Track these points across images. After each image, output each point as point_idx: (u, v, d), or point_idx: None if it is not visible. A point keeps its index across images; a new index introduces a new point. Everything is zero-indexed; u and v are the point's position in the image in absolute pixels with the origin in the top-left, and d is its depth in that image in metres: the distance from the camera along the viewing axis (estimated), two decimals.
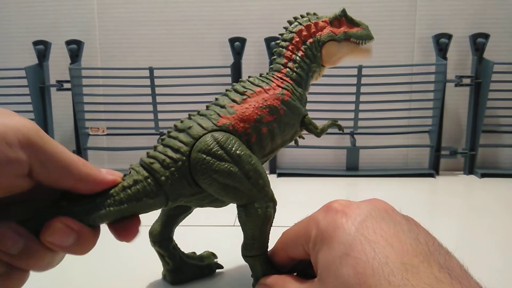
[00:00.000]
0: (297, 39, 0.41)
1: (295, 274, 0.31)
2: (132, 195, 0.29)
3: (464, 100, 0.96)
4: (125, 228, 0.29)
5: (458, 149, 0.95)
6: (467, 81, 0.93)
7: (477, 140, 0.93)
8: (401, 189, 0.82)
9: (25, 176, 0.24)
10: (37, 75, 0.95)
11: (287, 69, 0.40)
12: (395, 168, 0.97)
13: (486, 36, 0.90)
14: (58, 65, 0.98)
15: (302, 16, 0.42)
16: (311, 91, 0.91)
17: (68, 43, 0.95)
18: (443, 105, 0.92)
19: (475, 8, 0.94)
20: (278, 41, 0.41)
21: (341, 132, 0.41)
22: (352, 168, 0.95)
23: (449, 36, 0.91)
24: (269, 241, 0.35)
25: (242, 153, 0.33)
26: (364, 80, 0.90)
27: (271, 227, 0.35)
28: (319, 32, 0.41)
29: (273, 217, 0.34)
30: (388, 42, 0.96)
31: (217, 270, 0.43)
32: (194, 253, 0.42)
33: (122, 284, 0.42)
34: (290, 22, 0.42)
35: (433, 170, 0.92)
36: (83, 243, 0.26)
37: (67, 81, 0.93)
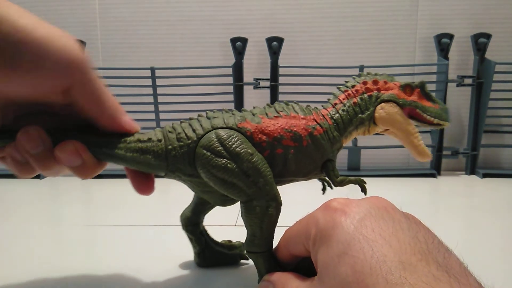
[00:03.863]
0: (358, 88, 0.39)
1: (301, 272, 0.32)
2: (139, 148, 0.33)
3: (465, 100, 0.95)
4: (141, 182, 0.35)
5: (460, 149, 0.95)
6: (468, 81, 0.92)
7: (478, 140, 0.93)
8: (402, 189, 0.82)
9: (63, 91, 0.29)
10: None
11: (333, 109, 0.39)
12: (396, 168, 0.97)
13: (487, 36, 0.90)
14: None
15: (376, 74, 0.41)
16: (311, 90, 0.91)
17: None
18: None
19: (477, 8, 0.94)
20: (340, 87, 0.40)
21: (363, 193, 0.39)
22: (353, 168, 0.95)
23: (450, 36, 0.91)
24: (274, 239, 0.35)
25: (242, 150, 0.33)
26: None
27: (275, 227, 0.35)
28: (384, 91, 0.39)
29: (276, 217, 0.34)
30: (390, 42, 0.96)
31: (242, 262, 0.44)
32: (230, 241, 0.44)
33: (136, 273, 0.43)
34: (360, 75, 0.41)
35: (434, 170, 0.92)
36: (85, 170, 0.32)
37: None
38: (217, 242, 0.44)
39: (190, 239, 0.42)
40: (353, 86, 0.40)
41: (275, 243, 0.35)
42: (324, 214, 0.27)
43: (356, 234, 0.24)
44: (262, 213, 0.33)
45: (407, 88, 0.39)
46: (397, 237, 0.23)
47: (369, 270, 0.22)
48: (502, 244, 0.52)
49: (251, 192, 0.33)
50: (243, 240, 0.36)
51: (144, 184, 0.35)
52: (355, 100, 0.39)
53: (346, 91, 0.40)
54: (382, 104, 0.39)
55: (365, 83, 0.40)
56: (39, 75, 0.28)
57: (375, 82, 0.40)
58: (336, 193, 0.41)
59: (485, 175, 0.90)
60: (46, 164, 0.31)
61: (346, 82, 0.41)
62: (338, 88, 0.41)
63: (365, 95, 0.39)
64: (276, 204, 0.34)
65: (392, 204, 0.27)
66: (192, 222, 0.41)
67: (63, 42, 0.28)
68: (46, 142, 0.30)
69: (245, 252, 0.43)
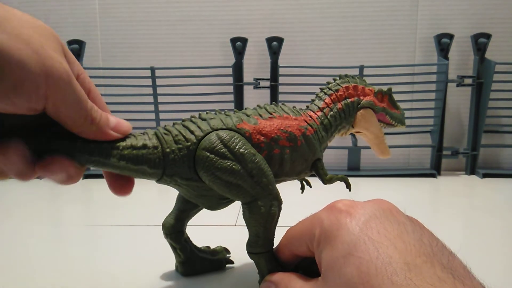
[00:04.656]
0: (341, 93, 0.43)
1: (300, 272, 0.32)
2: (134, 157, 0.31)
3: (465, 100, 0.95)
4: (121, 185, 0.32)
5: (460, 149, 0.95)
6: (468, 81, 0.92)
7: (478, 140, 0.93)
8: (402, 189, 0.82)
9: (39, 99, 0.24)
10: None
11: (321, 113, 0.41)
12: (396, 168, 0.97)
13: (487, 36, 0.90)
14: None
15: (353, 77, 0.44)
16: (311, 90, 0.91)
17: (70, 43, 0.95)
18: (445, 105, 0.92)
19: (477, 8, 0.94)
20: (324, 87, 0.43)
21: (348, 189, 0.42)
22: (353, 168, 0.95)
23: (450, 36, 0.91)
24: (274, 239, 0.35)
25: (246, 151, 0.33)
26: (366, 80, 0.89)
27: (276, 226, 0.35)
28: (362, 96, 0.43)
29: (278, 216, 0.35)
30: (390, 42, 0.96)
31: (227, 266, 0.43)
32: (208, 247, 0.44)
33: (137, 273, 0.42)
34: (340, 77, 0.44)
35: (434, 170, 0.92)
36: (69, 181, 0.29)
37: None
38: (200, 248, 0.43)
39: (174, 248, 0.41)
40: (336, 90, 0.43)
41: (275, 243, 0.35)
42: (329, 215, 0.27)
43: (361, 235, 0.24)
44: (266, 212, 0.33)
45: (379, 94, 0.44)
46: (402, 239, 0.23)
47: (375, 271, 0.22)
48: (502, 244, 0.52)
49: (255, 192, 0.33)
50: (244, 241, 0.36)
51: (123, 187, 0.32)
52: (339, 105, 0.42)
53: (331, 95, 0.42)
54: (362, 111, 0.43)
55: (347, 88, 0.43)
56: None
57: (356, 88, 0.43)
58: (331, 193, 0.41)
59: (485, 175, 0.90)
60: (26, 178, 0.27)
61: (329, 83, 0.43)
62: (322, 90, 0.43)
63: (348, 101, 0.43)
64: (278, 202, 0.34)
65: (396, 206, 0.27)
66: (176, 229, 0.40)
67: (22, 55, 0.23)
68: (27, 159, 0.27)
69: (227, 256, 0.43)
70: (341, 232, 0.25)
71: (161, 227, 0.40)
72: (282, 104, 0.40)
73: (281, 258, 0.34)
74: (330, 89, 0.43)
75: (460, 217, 0.64)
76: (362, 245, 0.23)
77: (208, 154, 0.33)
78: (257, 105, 0.39)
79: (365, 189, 0.82)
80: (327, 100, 0.42)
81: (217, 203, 0.37)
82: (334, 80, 0.44)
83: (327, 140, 0.41)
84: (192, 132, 0.34)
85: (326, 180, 0.40)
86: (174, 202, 0.41)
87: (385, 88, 0.44)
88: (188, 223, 0.41)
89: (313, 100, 0.43)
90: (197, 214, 0.41)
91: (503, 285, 0.39)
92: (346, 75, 0.44)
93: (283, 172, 0.37)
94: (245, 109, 0.38)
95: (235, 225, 0.57)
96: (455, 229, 0.58)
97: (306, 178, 0.43)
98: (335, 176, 0.40)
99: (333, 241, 0.25)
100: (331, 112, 0.41)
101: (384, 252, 0.22)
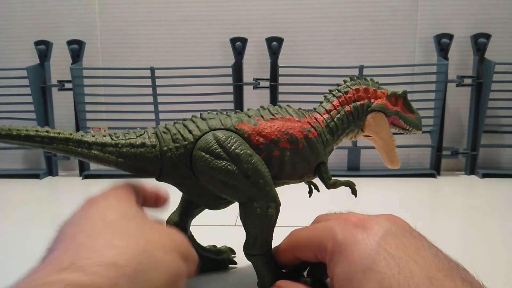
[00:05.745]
0: (351, 95, 0.41)
1: (303, 277, 0.31)
2: (132, 155, 0.32)
3: (465, 100, 0.95)
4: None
5: (460, 149, 0.95)
6: (468, 81, 0.92)
7: (478, 140, 0.93)
8: (402, 189, 0.82)
9: None
10: (39, 75, 0.95)
11: (328, 115, 0.40)
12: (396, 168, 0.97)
13: (487, 36, 0.90)
14: (60, 65, 0.98)
15: (365, 79, 0.42)
16: (311, 90, 0.91)
17: (70, 43, 0.95)
18: (445, 105, 0.92)
19: (477, 8, 0.94)
20: (333, 88, 0.42)
21: (354, 195, 0.40)
22: (353, 168, 0.95)
23: (450, 36, 0.91)
24: (273, 240, 0.35)
25: (242, 152, 0.33)
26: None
27: (275, 227, 0.35)
28: (373, 99, 0.41)
29: (275, 218, 0.34)
30: (390, 42, 0.96)
31: (230, 266, 0.43)
32: (214, 246, 0.43)
33: None
34: (351, 78, 0.42)
35: (434, 170, 0.92)
36: None
37: (68, 81, 0.93)
38: (204, 247, 0.43)
39: None
40: (346, 92, 0.41)
41: (274, 244, 0.35)
42: (343, 229, 0.27)
43: (380, 250, 0.24)
44: (262, 214, 0.33)
45: (393, 97, 0.41)
46: (420, 254, 0.23)
47: (397, 286, 0.22)
48: (502, 244, 0.52)
49: (251, 193, 0.33)
50: (242, 242, 0.35)
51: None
52: (348, 108, 0.40)
53: (340, 97, 0.41)
54: (373, 114, 0.41)
55: (357, 90, 0.41)
56: None
57: (367, 90, 0.41)
58: (331, 194, 0.41)
59: (484, 175, 0.90)
60: None
61: (339, 85, 0.42)
62: (331, 91, 0.42)
63: (357, 103, 0.41)
64: (275, 204, 0.34)
65: (408, 223, 0.27)
66: (180, 227, 0.40)
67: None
68: None
69: (232, 256, 0.43)
70: (358, 247, 0.25)
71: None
72: (287, 105, 0.39)
73: (281, 259, 0.33)
74: (339, 91, 0.41)
75: (459, 217, 0.64)
76: (382, 260, 0.23)
77: (204, 154, 0.33)
78: (261, 106, 0.38)
79: (365, 189, 0.82)
80: (335, 102, 0.40)
81: (216, 203, 0.37)
82: (345, 82, 0.42)
83: (333, 144, 0.40)
84: (190, 132, 0.34)
85: (330, 185, 0.38)
86: (176, 200, 0.41)
87: (399, 90, 0.42)
88: None
89: (321, 102, 0.42)
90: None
91: (503, 285, 0.39)
92: (357, 77, 0.42)
93: (283, 174, 0.36)
94: (248, 109, 0.37)
95: (235, 225, 0.57)
96: (455, 229, 0.58)
97: (313, 181, 0.42)
98: (340, 180, 0.39)
99: (349, 256, 0.25)
100: (338, 115, 0.40)
101: (405, 267, 0.22)
